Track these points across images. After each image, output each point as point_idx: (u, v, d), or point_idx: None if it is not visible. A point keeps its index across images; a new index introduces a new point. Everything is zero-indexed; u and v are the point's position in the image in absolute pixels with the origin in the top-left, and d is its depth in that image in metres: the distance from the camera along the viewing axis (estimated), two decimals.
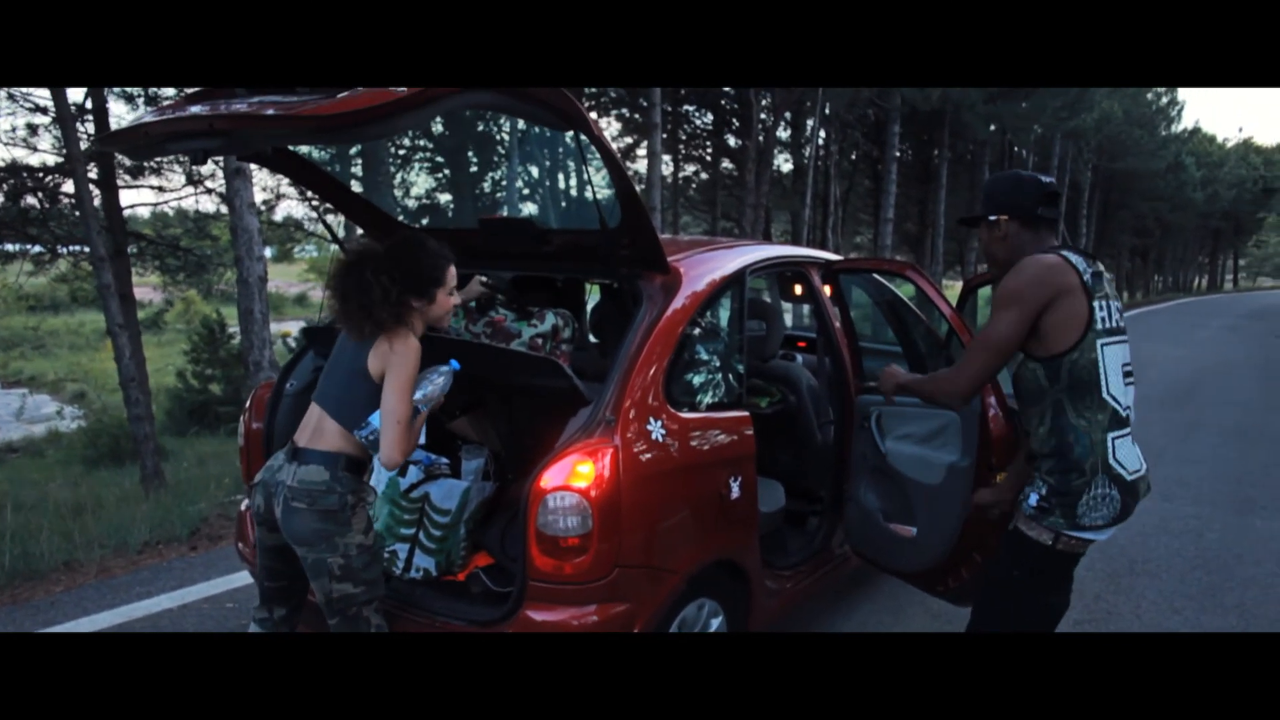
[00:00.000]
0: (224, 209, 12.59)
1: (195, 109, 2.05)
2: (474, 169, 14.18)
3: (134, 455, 10.60)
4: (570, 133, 2.19)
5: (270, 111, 1.85)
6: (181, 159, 11.28)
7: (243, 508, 3.11)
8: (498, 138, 13.73)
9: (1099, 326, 2.08)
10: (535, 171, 14.57)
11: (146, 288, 22.52)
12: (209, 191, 11.91)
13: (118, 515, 4.87)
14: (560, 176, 15.16)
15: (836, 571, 3.48)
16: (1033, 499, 2.16)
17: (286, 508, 2.18)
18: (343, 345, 2.29)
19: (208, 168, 11.83)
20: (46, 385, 24.35)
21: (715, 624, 2.71)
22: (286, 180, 12.26)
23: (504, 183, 14.15)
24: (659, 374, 2.49)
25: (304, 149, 2.90)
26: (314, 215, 14.50)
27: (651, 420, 2.42)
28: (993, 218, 2.28)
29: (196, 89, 2.26)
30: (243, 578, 3.94)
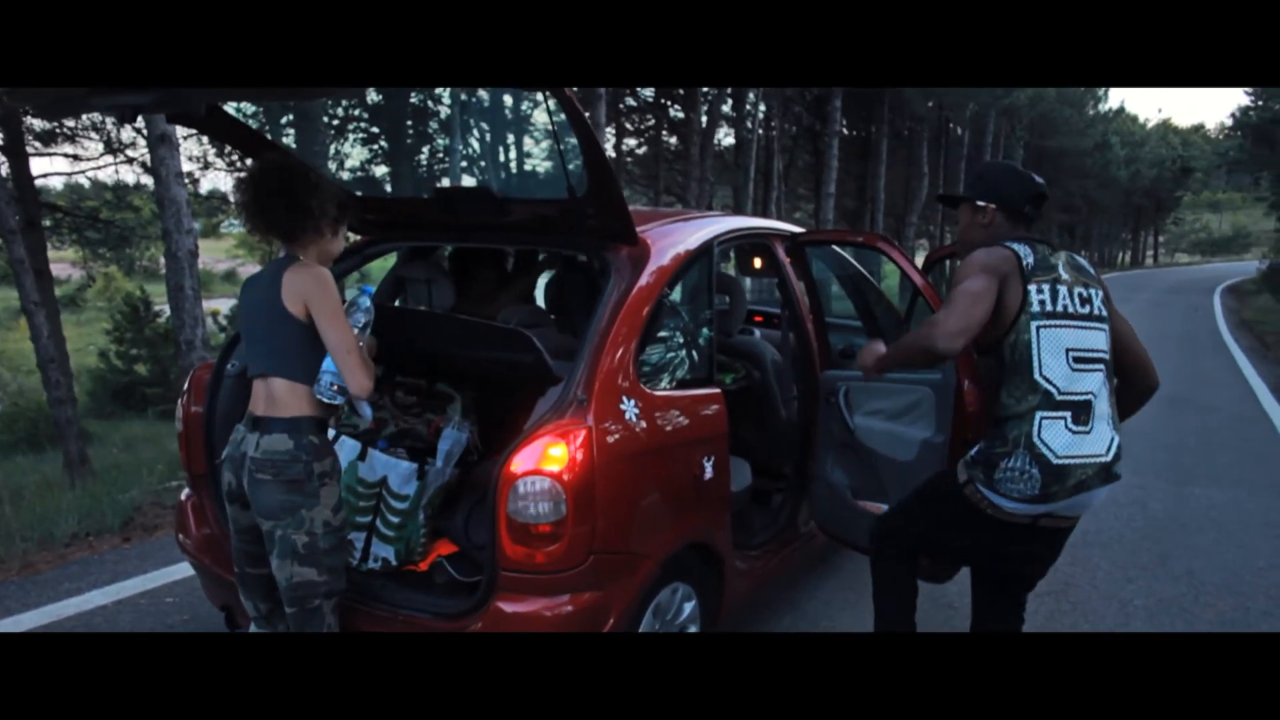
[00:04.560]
0: (146, 179, 12.01)
1: None
2: (410, 140, 13.79)
3: (55, 440, 10.11)
4: (540, 96, 2.05)
5: None
6: (102, 119, 10.72)
7: (183, 497, 2.92)
8: (435, 108, 13.37)
9: (1034, 309, 2.14)
10: (490, 139, 14.25)
11: (64, 264, 21.46)
12: (129, 161, 11.33)
13: (41, 505, 4.57)
14: (520, 143, 14.85)
15: (802, 550, 3.43)
16: (974, 449, 2.25)
17: (252, 480, 2.10)
18: (252, 299, 2.20)
19: (128, 134, 11.27)
20: None
21: (688, 608, 2.63)
22: (214, 150, 11.75)
23: (446, 152, 13.79)
24: (630, 351, 2.38)
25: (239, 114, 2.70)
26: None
27: (625, 399, 2.31)
28: (981, 203, 2.32)
29: None
30: (182, 570, 3.72)
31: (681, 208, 14.80)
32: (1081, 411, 2.13)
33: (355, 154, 13.42)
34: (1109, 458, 2.16)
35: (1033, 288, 2.14)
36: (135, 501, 4.56)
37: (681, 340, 2.64)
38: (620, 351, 2.35)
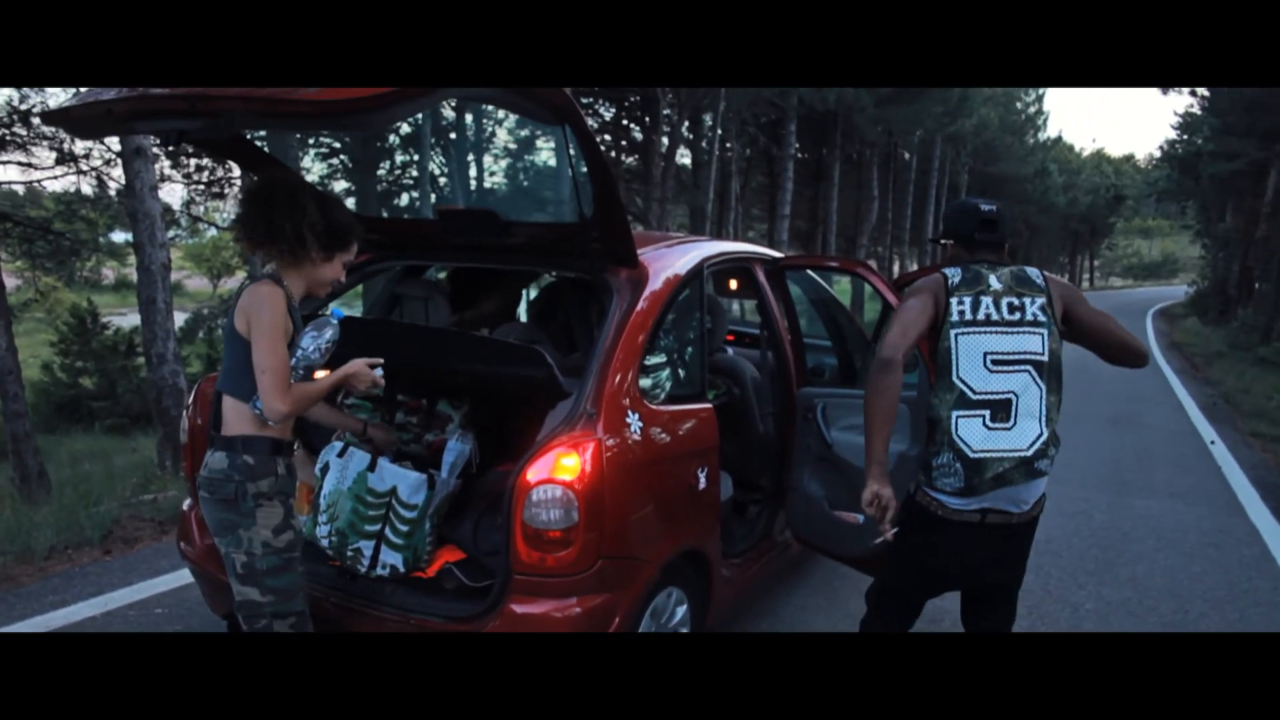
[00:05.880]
0: (88, 189, 11.82)
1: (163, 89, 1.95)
2: (376, 151, 13.77)
3: (2, 454, 9.83)
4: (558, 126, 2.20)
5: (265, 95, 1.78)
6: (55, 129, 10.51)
7: (185, 507, 2.98)
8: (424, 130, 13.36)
9: (953, 319, 2.34)
10: (479, 161, 14.29)
11: None
12: (83, 172, 11.13)
13: (12, 519, 4.53)
14: (526, 168, 14.88)
15: (779, 558, 3.61)
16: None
17: (200, 497, 2.18)
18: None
19: (80, 146, 11.07)
20: None
21: (680, 612, 2.78)
22: (169, 163, 11.62)
23: (405, 169, 13.79)
24: (634, 368, 2.54)
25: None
26: (198, 199, 13.81)
27: (629, 414, 2.46)
28: (942, 241, 2.59)
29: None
30: (169, 581, 3.76)
31: (643, 229, 15.01)
32: (1000, 409, 2.31)
33: (315, 169, 13.37)
34: (1029, 453, 2.29)
35: (954, 300, 2.36)
36: (113, 515, 4.54)
37: (677, 358, 2.80)
38: (625, 368, 2.50)
